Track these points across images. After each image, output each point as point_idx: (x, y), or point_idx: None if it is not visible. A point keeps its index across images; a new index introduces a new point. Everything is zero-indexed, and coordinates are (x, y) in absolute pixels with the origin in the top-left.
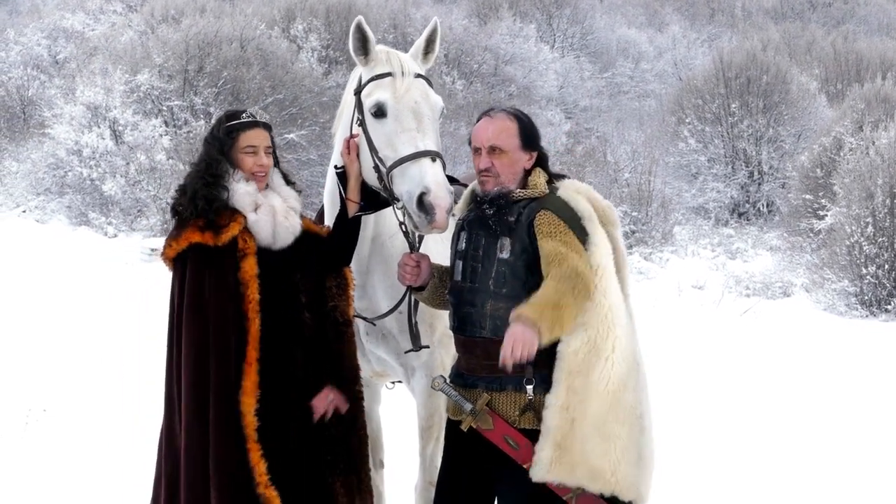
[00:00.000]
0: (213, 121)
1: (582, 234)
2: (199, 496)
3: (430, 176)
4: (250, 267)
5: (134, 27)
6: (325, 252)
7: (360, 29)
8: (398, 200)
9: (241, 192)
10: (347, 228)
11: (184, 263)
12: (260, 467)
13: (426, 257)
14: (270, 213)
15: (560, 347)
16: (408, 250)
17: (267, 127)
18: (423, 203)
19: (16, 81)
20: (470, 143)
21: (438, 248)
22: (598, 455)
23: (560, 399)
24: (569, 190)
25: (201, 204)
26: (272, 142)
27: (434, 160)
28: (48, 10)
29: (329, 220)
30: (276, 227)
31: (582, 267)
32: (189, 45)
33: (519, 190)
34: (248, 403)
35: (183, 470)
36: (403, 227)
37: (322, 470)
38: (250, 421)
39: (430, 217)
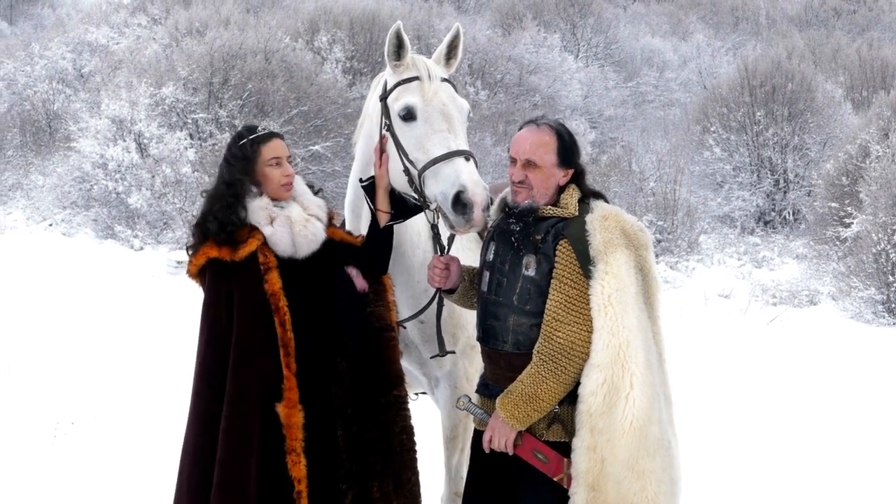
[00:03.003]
0: (228, 140)
1: (590, 266)
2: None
3: (466, 175)
4: (275, 280)
5: (158, 40)
6: (361, 262)
7: (398, 35)
8: (430, 203)
9: (255, 207)
10: (381, 238)
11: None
12: (302, 485)
13: (455, 260)
14: (286, 224)
15: (578, 389)
16: (430, 260)
17: (282, 136)
18: (459, 202)
19: (41, 95)
20: (509, 151)
21: (466, 256)
22: (634, 493)
23: (585, 441)
24: (596, 216)
25: (213, 227)
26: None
27: (468, 159)
28: (73, 24)
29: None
30: (294, 237)
31: (573, 338)
32: (213, 57)
33: (550, 207)
34: (294, 415)
35: (179, 478)
36: (435, 229)
37: (363, 473)
38: (297, 435)
39: (467, 216)
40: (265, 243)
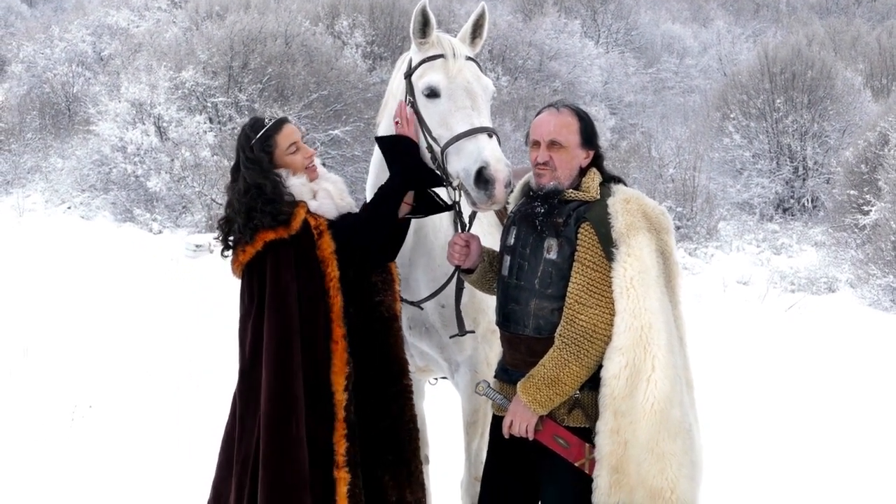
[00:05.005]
0: (239, 139)
1: (613, 249)
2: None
3: (488, 151)
4: (327, 244)
5: (178, 24)
6: (369, 248)
7: (423, 13)
8: (452, 180)
9: (297, 185)
10: (396, 226)
11: (260, 267)
12: (340, 447)
13: (476, 238)
14: (329, 197)
15: (601, 373)
16: (451, 237)
17: (288, 119)
18: (481, 178)
19: (61, 78)
20: (528, 137)
21: (486, 241)
22: (654, 475)
23: (608, 424)
24: (618, 199)
25: (267, 220)
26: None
27: (490, 136)
28: (93, 6)
29: None
30: (339, 211)
31: (595, 321)
32: (233, 41)
33: (572, 191)
34: (339, 382)
35: (265, 457)
36: (458, 206)
37: (372, 463)
38: (340, 399)
39: (488, 192)
40: (308, 211)
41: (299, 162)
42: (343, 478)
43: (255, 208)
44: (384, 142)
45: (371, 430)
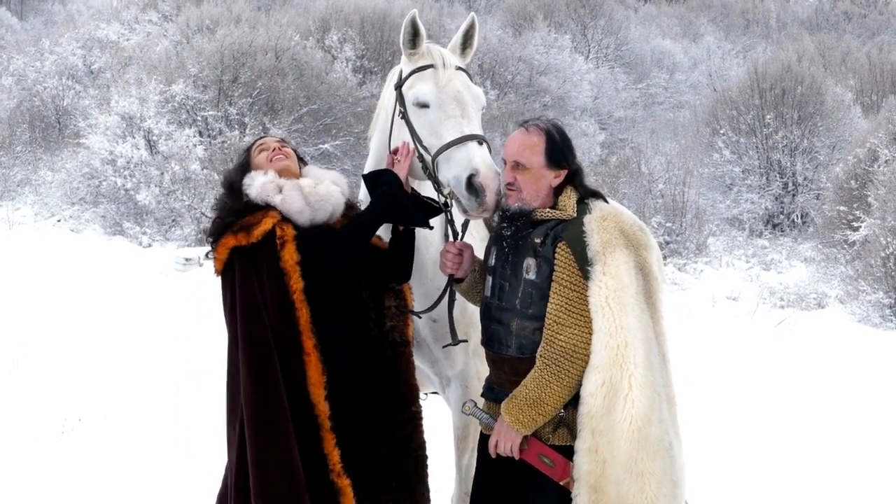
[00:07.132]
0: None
1: (589, 267)
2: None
3: (479, 158)
4: (290, 255)
5: (169, 37)
6: (384, 268)
7: (413, 23)
8: (444, 188)
9: (259, 182)
10: (402, 243)
11: (231, 274)
12: (334, 456)
13: (469, 247)
14: (296, 189)
15: (579, 391)
16: (444, 246)
17: (274, 137)
18: (472, 185)
19: (51, 91)
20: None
21: (478, 254)
22: (633, 494)
23: (586, 442)
24: (594, 216)
25: (229, 217)
26: (291, 146)
27: (480, 143)
28: (83, 20)
29: None
30: (306, 198)
31: (575, 341)
32: (224, 55)
33: (549, 210)
34: (317, 393)
35: (253, 464)
36: (449, 214)
37: (377, 488)
38: (323, 409)
39: (480, 199)
40: (283, 219)
41: (263, 158)
42: (346, 484)
43: (220, 216)
44: (369, 177)
45: (376, 455)
